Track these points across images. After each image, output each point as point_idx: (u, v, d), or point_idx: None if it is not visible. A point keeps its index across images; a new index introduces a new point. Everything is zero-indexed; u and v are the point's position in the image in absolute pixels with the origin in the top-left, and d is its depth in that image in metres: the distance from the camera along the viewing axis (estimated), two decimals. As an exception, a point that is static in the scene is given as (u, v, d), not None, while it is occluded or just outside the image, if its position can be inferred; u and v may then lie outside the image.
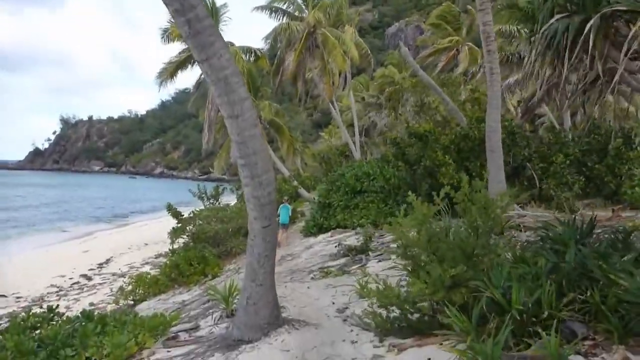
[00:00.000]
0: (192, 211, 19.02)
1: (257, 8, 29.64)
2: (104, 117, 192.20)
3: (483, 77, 25.45)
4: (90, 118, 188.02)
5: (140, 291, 15.06)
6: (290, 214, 18.81)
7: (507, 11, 23.73)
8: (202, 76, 27.53)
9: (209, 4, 25.15)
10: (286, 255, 14.44)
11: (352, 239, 13.54)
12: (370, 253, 10.57)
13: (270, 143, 34.17)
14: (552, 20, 5.15)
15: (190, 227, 18.60)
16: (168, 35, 25.45)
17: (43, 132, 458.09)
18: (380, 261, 9.67)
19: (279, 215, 17.54)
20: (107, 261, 28.91)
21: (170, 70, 25.36)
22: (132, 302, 15.00)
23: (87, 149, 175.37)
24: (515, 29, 22.31)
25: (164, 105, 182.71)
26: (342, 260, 10.82)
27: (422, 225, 5.03)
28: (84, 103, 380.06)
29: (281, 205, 19.21)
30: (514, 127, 14.28)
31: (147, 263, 26.15)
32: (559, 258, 4.46)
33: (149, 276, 15.50)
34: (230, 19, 27.08)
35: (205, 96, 28.00)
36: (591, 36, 4.50)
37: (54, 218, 50.27)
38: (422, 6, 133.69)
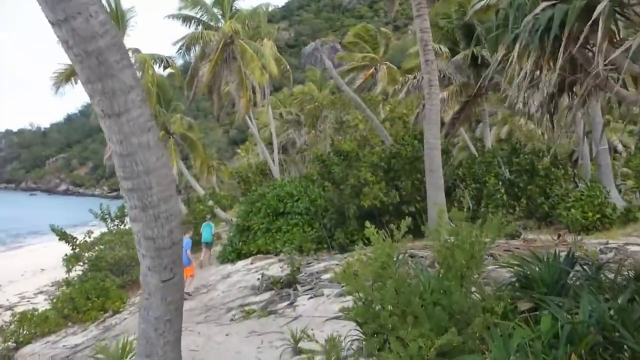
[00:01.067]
0: (87, 233, 16.53)
1: (169, 16, 27.69)
2: (1, 129, 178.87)
3: (403, 96, 25.23)
4: None
5: (24, 331, 12.65)
6: (213, 232, 17.06)
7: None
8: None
9: (112, 4, 22.92)
10: (200, 286, 12.72)
11: (276, 267, 12.12)
12: (298, 286, 9.21)
13: (183, 160, 32.05)
14: (538, 10, 4.17)
15: (88, 253, 16.26)
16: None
17: None
18: (311, 297, 8.34)
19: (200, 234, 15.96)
20: (-7, 291, 25.31)
21: (67, 74, 22.65)
22: (13, 345, 12.58)
23: None
24: (438, 47, 22.13)
25: (69, 118, 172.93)
26: (267, 295, 9.38)
27: (385, 270, 3.77)
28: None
29: (204, 224, 18.24)
30: (447, 146, 13.63)
31: (41, 292, 23.04)
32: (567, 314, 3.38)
33: (37, 312, 13.10)
34: (136, 23, 24.91)
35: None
36: (600, 24, 3.51)
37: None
38: (337, 27, 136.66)
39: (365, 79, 40.49)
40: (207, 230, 17.46)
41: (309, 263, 11.81)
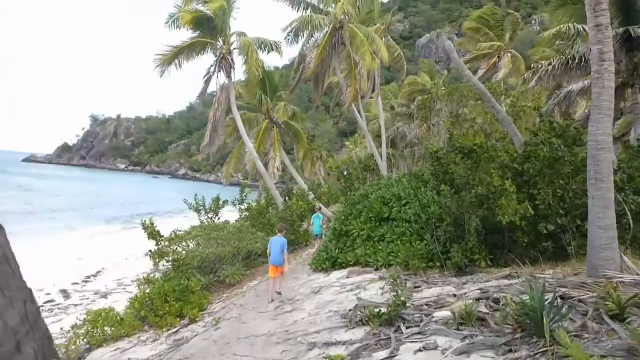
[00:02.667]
0: (174, 232, 15.43)
1: (278, -1, 26.29)
2: (132, 116, 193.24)
3: (534, 85, 21.61)
4: (118, 116, 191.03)
5: (98, 331, 11.68)
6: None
7: (566, 8, 20.00)
8: (212, 69, 24.26)
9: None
10: (286, 300, 10.88)
11: (376, 287, 9.91)
12: (402, 326, 6.94)
13: (287, 153, 30.77)
14: None
15: (174, 248, 15.12)
16: (174, 21, 22.18)
17: (73, 128, 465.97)
18: (420, 350, 6.02)
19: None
20: (97, 273, 25.82)
21: (170, 57, 22.01)
22: (86, 346, 11.67)
23: (113, 146, 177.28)
24: (580, 27, 18.38)
25: (191, 107, 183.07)
26: (359, 333, 7.22)
27: None
28: (114, 101, 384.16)
29: (313, 215, 18.04)
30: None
31: (138, 279, 22.94)
32: None
33: (111, 313, 12.08)
34: (239, 8, 23.78)
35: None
36: None
37: (68, 216, 47.88)
38: (454, 17, 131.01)
39: (487, 68, 36.76)
40: (316, 222, 17.01)
41: (417, 286, 9.47)
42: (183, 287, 12.77)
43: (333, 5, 26.63)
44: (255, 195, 27.95)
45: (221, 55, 23.05)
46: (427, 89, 41.73)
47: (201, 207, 19.07)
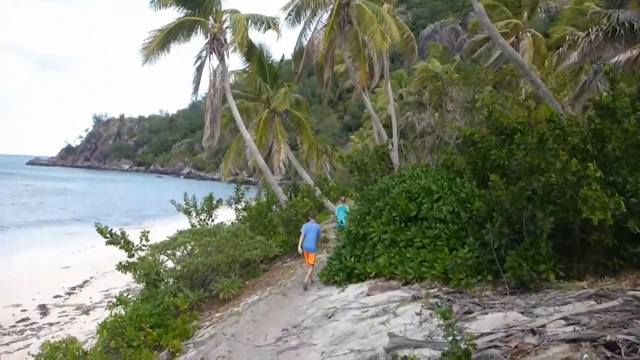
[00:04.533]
0: (142, 233, 12.56)
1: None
2: (135, 115, 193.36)
3: (573, 61, 18.88)
4: (121, 116, 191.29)
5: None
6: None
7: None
8: (204, 52, 21.62)
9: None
10: (291, 327, 8.36)
11: (410, 312, 7.39)
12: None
13: (293, 150, 28.11)
14: None
15: (156, 258, 12.60)
16: (158, 1, 19.59)
17: (76, 129, 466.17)
18: None
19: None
20: (84, 283, 23.42)
21: (158, 42, 19.45)
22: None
23: (117, 147, 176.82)
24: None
25: (194, 105, 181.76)
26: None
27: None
28: (118, 100, 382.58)
29: (338, 207, 16.18)
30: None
31: (128, 289, 20.49)
32: None
33: (73, 347, 9.58)
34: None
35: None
36: None
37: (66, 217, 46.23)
38: (458, 7, 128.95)
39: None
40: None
41: (468, 312, 6.94)
42: (163, 308, 10.28)
43: (338, -20, 23.98)
44: (254, 193, 25.39)
45: (212, 36, 20.49)
46: (439, 75, 39.10)
47: (192, 209, 16.55)
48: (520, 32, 33.22)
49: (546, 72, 28.05)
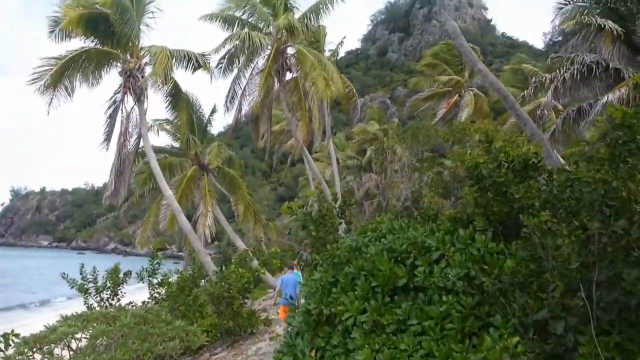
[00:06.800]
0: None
1: (205, 17, 20.98)
2: (57, 188, 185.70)
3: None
4: (42, 189, 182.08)
5: None
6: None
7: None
8: (119, 95, 18.12)
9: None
10: None
11: None
12: None
13: (229, 220, 24.46)
14: None
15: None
16: (60, 31, 16.03)
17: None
18: None
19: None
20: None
21: (55, 75, 15.65)
22: None
23: (36, 222, 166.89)
24: (602, 21, 14.20)
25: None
26: None
27: None
28: (38, 174, 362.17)
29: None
30: None
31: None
32: None
33: None
34: (160, 10, 18.13)
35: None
36: None
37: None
38: (387, 82, 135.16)
39: (448, 108, 32.79)
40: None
41: None
42: None
43: (274, 24, 21.69)
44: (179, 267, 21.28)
45: (128, 73, 17.18)
46: (379, 137, 37.60)
47: (90, 285, 12.47)
48: (463, 90, 32.41)
49: (494, 131, 26.70)
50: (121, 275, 12.99)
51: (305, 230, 9.33)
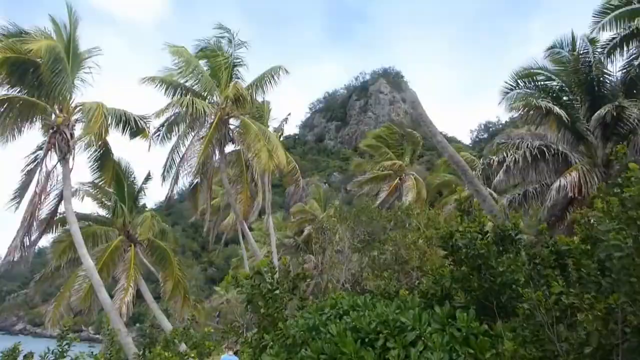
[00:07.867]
0: None
1: (147, 80, 20.08)
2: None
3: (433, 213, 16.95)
4: None
5: None
6: None
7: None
8: (42, 151, 16.38)
9: (63, 36, 15.27)
10: None
11: None
12: None
13: (156, 299, 22.10)
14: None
15: None
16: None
17: None
18: None
19: None
20: None
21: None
22: None
23: None
24: (547, 106, 14.51)
25: (39, 251, 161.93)
26: None
27: None
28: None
29: (222, 357, 13.41)
30: None
31: None
32: None
33: None
34: (98, 66, 17.03)
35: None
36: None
37: None
38: (323, 168, 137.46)
39: (390, 191, 32.78)
40: None
41: None
42: None
43: (218, 94, 21.06)
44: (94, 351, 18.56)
45: (55, 128, 15.62)
46: (318, 217, 36.88)
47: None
48: (404, 175, 32.71)
49: (435, 214, 26.63)
50: (20, 358, 10.75)
51: (251, 305, 7.97)
